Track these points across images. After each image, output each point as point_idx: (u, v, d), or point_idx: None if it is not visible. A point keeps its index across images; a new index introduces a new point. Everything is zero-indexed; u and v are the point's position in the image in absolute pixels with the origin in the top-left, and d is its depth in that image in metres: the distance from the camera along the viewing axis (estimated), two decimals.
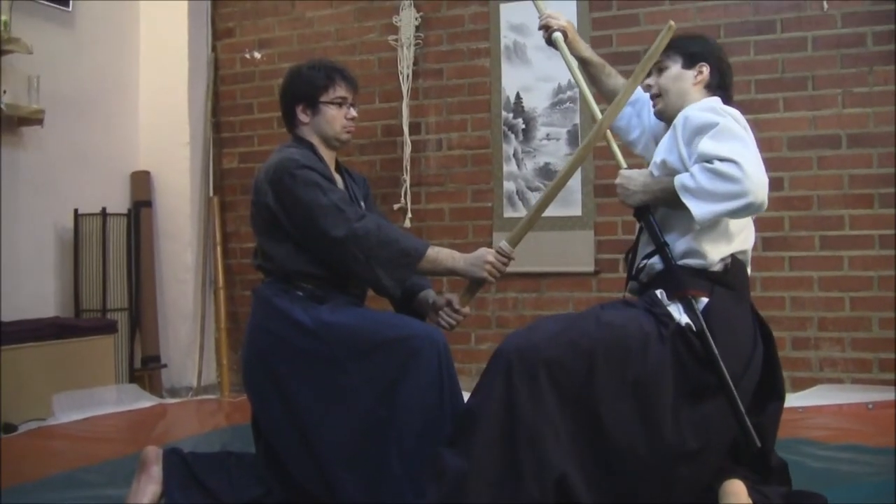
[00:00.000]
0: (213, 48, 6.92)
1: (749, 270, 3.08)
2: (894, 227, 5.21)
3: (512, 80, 6.01)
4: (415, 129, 6.27)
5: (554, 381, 2.72)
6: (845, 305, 5.32)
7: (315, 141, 3.42)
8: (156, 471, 3.26)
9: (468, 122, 6.18)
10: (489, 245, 5.85)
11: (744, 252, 3.01)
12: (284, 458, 3.24)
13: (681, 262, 2.92)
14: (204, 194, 6.77)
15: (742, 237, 2.98)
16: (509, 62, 6.01)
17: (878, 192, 5.25)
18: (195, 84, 6.75)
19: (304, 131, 3.44)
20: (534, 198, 5.86)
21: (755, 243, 5.16)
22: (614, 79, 3.55)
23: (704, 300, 2.87)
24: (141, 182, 6.63)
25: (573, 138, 5.83)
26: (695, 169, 2.78)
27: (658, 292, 2.93)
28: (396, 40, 6.29)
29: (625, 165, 3.15)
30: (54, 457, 4.56)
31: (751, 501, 2.78)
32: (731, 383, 2.75)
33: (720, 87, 3.13)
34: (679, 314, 2.84)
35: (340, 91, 3.43)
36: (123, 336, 6.27)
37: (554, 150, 5.89)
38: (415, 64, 6.25)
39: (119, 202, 6.49)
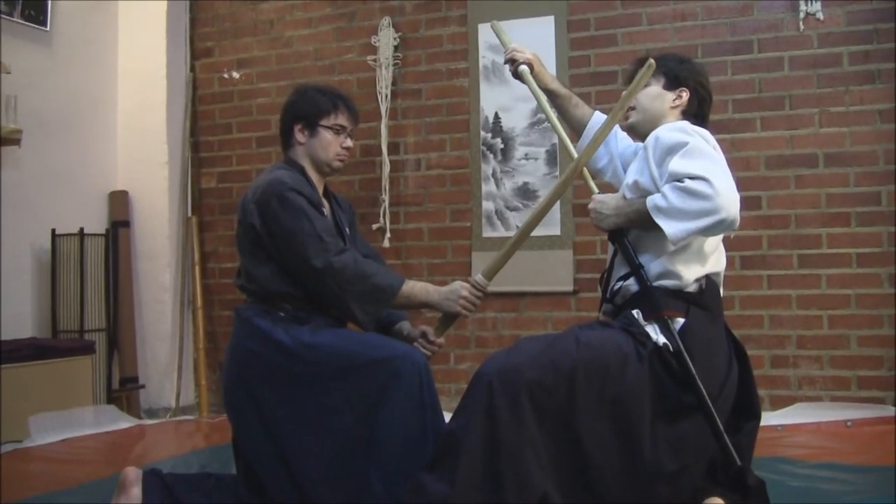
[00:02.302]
0: (192, 68, 6.91)
1: (722, 292, 3.08)
2: (871, 245, 5.25)
3: (490, 100, 6.02)
4: (393, 148, 6.27)
5: (535, 402, 2.70)
6: (823, 323, 5.33)
7: (306, 164, 3.43)
8: (135, 492, 3.25)
9: (447, 142, 6.19)
10: (468, 265, 5.87)
11: (717, 273, 3.02)
12: (264, 478, 3.22)
13: (656, 284, 2.92)
14: (182, 214, 6.75)
15: (714, 258, 3.00)
16: (488, 82, 6.03)
17: (854, 211, 5.28)
18: (173, 104, 6.73)
19: (297, 152, 3.45)
20: (513, 217, 5.88)
21: (732, 262, 5.23)
22: (581, 109, 3.56)
23: (681, 321, 2.87)
24: (119, 202, 6.60)
25: (551, 158, 5.85)
26: (666, 189, 2.79)
27: (634, 312, 2.93)
28: (375, 60, 6.29)
29: (596, 190, 3.16)
30: (31, 479, 4.51)
31: None
32: (709, 403, 2.75)
33: (697, 115, 3.15)
34: (656, 334, 2.84)
35: (342, 119, 3.44)
36: (101, 357, 6.22)
37: (532, 169, 5.90)
38: (393, 84, 6.26)
39: (97, 222, 6.46)
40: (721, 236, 3.02)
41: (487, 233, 5.97)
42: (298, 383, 3.14)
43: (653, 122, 3.10)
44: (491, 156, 5.98)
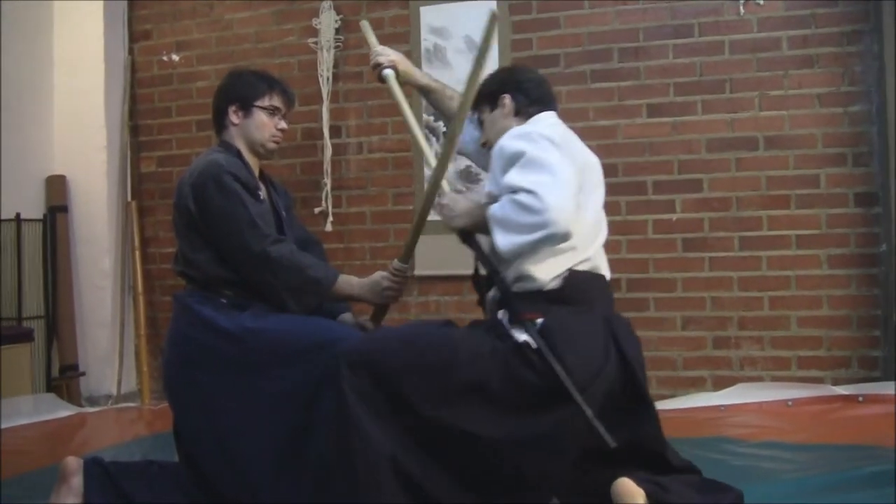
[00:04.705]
0: (130, 51, 6.79)
1: (608, 274, 3.09)
2: (810, 227, 5.32)
3: None
4: (335, 132, 6.22)
5: (382, 387, 2.76)
6: (764, 305, 5.39)
7: (241, 146, 3.41)
8: (76, 482, 3.22)
9: (389, 126, 6.15)
10: None
11: (586, 260, 3.00)
12: (205, 466, 3.21)
13: (515, 287, 2.93)
14: (121, 199, 6.65)
15: (576, 251, 2.96)
16: (430, 65, 5.98)
17: (794, 193, 5.34)
18: (112, 87, 6.62)
19: (231, 133, 3.43)
20: None
21: (674, 244, 5.30)
22: (456, 101, 3.55)
23: (541, 320, 2.86)
24: (56, 186, 6.49)
25: None
26: (504, 199, 2.81)
27: (500, 314, 2.95)
28: (316, 43, 6.23)
29: (447, 190, 3.21)
30: None
31: (642, 492, 2.78)
32: (575, 391, 2.72)
33: (533, 103, 3.20)
34: (518, 334, 2.84)
35: (276, 101, 3.45)
36: (40, 344, 6.14)
37: None
38: (335, 67, 6.21)
39: (34, 207, 6.36)
40: (595, 220, 3.05)
41: (430, 216, 5.93)
42: (242, 370, 3.12)
43: None
44: (434, 139, 5.96)
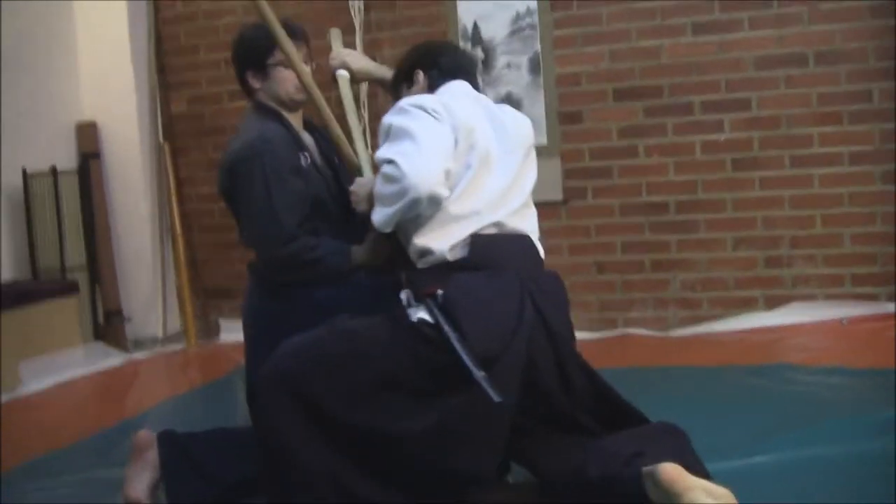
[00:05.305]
0: None
1: (536, 236, 3.03)
2: (864, 143, 5.21)
3: (468, 8, 5.82)
4: None
5: (299, 400, 2.73)
6: (816, 223, 5.32)
7: (275, 105, 3.34)
8: (151, 456, 3.22)
9: None
10: None
11: (496, 224, 2.91)
12: None
13: (420, 264, 2.88)
14: (154, 141, 6.56)
15: (480, 216, 2.88)
16: None
17: (846, 110, 5.21)
18: (136, 28, 6.44)
19: (260, 97, 3.37)
20: None
21: (723, 165, 5.25)
22: None
23: (441, 292, 2.78)
24: (87, 134, 6.39)
25: (534, 66, 5.72)
26: (378, 175, 2.80)
27: (402, 294, 2.89)
28: None
29: (365, 171, 3.19)
30: (41, 435, 4.38)
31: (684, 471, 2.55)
32: (467, 357, 2.60)
33: (445, 76, 3.16)
34: (415, 312, 2.78)
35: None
36: (84, 294, 6.12)
37: (515, 78, 5.77)
38: None
39: (66, 156, 6.26)
40: (509, 183, 2.96)
41: None
42: None
43: None
44: None
